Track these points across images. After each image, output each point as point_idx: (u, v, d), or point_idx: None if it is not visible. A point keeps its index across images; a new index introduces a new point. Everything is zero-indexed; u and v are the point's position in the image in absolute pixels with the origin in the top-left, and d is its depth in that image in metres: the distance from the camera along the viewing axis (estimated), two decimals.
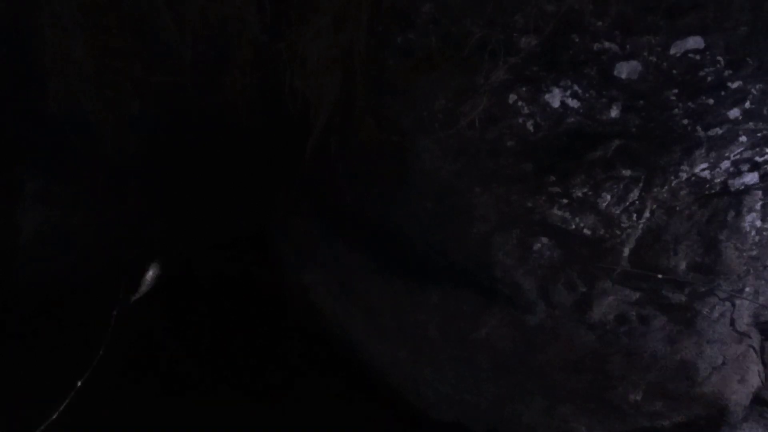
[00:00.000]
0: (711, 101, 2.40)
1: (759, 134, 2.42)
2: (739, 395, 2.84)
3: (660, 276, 2.63)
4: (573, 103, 2.55)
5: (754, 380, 2.87)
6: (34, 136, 3.73)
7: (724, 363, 2.79)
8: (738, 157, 2.47)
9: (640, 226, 2.62)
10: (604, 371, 2.83)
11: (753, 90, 2.36)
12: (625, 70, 2.45)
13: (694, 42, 2.35)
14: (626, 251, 2.66)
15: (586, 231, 2.66)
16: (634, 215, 2.60)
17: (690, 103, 2.42)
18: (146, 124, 3.97)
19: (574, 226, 2.67)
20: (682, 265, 2.62)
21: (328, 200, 3.62)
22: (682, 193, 2.54)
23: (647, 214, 2.60)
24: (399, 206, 3.11)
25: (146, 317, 3.83)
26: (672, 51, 2.38)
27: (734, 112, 2.41)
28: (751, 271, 2.62)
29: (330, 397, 3.39)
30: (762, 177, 2.49)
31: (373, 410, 3.31)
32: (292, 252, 3.89)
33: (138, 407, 3.25)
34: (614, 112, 2.51)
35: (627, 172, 2.56)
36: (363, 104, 3.13)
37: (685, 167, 2.50)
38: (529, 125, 2.63)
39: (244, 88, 3.86)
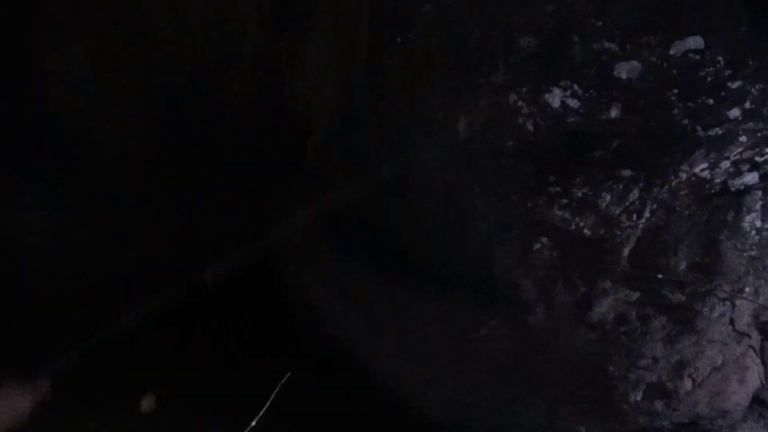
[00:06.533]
0: (711, 101, 2.41)
1: (759, 134, 2.43)
2: (739, 395, 2.84)
3: (660, 276, 2.63)
4: (573, 103, 2.55)
5: (754, 380, 2.86)
6: (34, 140, 3.73)
7: (724, 363, 2.79)
8: (738, 157, 2.48)
9: (640, 226, 2.61)
10: (604, 371, 2.82)
11: (753, 90, 2.37)
12: (625, 70, 2.45)
13: (694, 42, 2.36)
14: (626, 251, 2.66)
15: (586, 231, 2.66)
16: (634, 215, 2.60)
17: (690, 103, 2.43)
18: (146, 127, 3.97)
19: (574, 226, 2.67)
20: (682, 265, 2.62)
21: (329, 201, 3.62)
22: (682, 193, 2.54)
23: (647, 214, 2.59)
24: (399, 206, 3.11)
25: (144, 319, 3.82)
26: (672, 51, 2.38)
27: (734, 112, 2.41)
28: (751, 271, 2.61)
29: (329, 398, 3.39)
30: (762, 177, 2.49)
31: (372, 411, 3.31)
32: (292, 252, 3.89)
33: (135, 408, 3.24)
34: (614, 112, 2.51)
35: (627, 172, 2.56)
36: (363, 105, 3.13)
37: (685, 167, 2.50)
38: (529, 125, 2.63)
39: (243, 89, 3.86)
